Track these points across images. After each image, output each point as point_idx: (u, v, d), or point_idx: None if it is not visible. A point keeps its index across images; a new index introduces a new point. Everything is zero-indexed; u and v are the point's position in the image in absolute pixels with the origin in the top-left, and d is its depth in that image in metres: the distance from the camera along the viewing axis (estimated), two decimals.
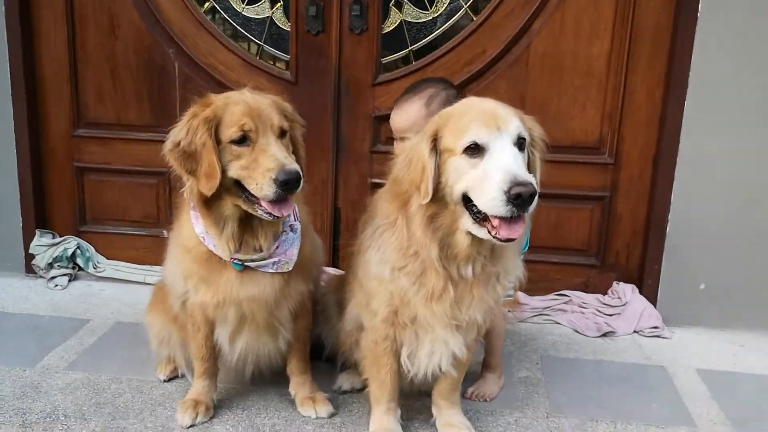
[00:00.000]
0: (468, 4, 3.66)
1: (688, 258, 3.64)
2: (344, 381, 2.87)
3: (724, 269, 3.62)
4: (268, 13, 3.78)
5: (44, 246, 3.99)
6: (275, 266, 2.38)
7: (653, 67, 3.57)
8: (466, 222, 2.04)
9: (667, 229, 3.62)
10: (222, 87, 3.78)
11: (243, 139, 2.20)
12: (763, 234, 3.56)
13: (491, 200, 1.89)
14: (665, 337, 3.57)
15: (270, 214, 2.19)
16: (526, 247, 2.85)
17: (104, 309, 3.66)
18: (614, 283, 3.85)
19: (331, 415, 2.66)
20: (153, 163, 3.94)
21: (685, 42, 3.42)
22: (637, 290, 3.76)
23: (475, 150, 1.97)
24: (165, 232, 4.04)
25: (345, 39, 3.70)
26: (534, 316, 3.72)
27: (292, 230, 2.44)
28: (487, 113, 2.02)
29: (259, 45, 3.84)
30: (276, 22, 3.78)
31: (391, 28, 3.72)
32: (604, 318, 3.69)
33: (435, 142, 2.07)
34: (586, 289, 3.90)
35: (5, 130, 3.89)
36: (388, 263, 2.24)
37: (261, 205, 2.21)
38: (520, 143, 2.01)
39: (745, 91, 3.42)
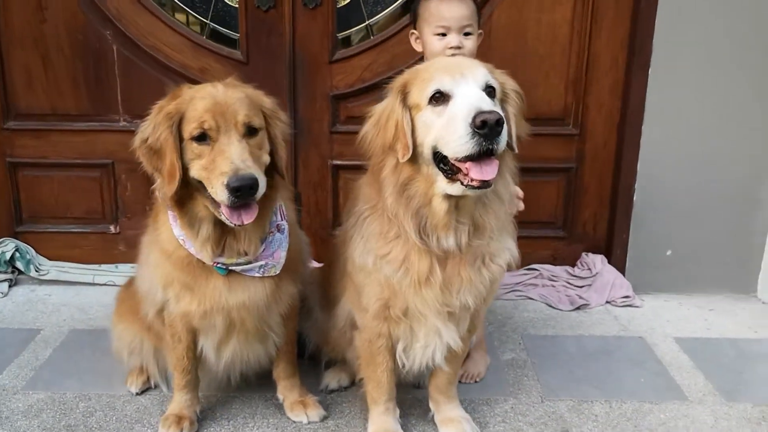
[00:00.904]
0: None
1: (655, 225, 3.68)
2: (331, 379, 2.78)
3: (689, 235, 3.68)
4: None
5: None
6: (262, 270, 2.25)
7: (617, 31, 3.55)
8: (441, 183, 1.97)
9: (635, 197, 3.65)
10: (167, 70, 3.60)
11: (204, 137, 2.05)
12: (726, 200, 3.64)
13: (458, 138, 1.84)
14: (636, 306, 3.62)
15: (230, 221, 2.05)
16: None
17: (55, 316, 3.43)
18: (583, 254, 3.88)
19: (323, 419, 2.56)
20: (94, 154, 3.72)
21: (648, 3, 3.40)
22: (606, 260, 3.79)
23: (439, 99, 1.93)
24: (112, 227, 3.83)
25: (298, 14, 3.52)
26: (507, 292, 3.71)
27: (279, 231, 2.30)
28: (451, 64, 2.02)
29: (205, 23, 3.62)
30: None
31: (346, 2, 3.58)
32: (576, 290, 3.71)
33: (404, 97, 2.02)
34: (554, 261, 3.92)
35: None
36: (372, 252, 2.17)
37: (223, 212, 2.06)
38: (488, 92, 1.96)
39: (712, 55, 3.43)
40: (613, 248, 3.78)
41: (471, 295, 2.16)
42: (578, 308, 3.59)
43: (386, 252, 2.14)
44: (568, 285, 3.77)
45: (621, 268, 3.76)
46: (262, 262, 2.25)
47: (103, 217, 3.84)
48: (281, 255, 2.29)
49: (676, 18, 3.39)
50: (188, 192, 2.11)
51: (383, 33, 3.58)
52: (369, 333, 2.30)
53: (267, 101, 2.22)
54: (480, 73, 1.97)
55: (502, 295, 3.67)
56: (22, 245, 3.83)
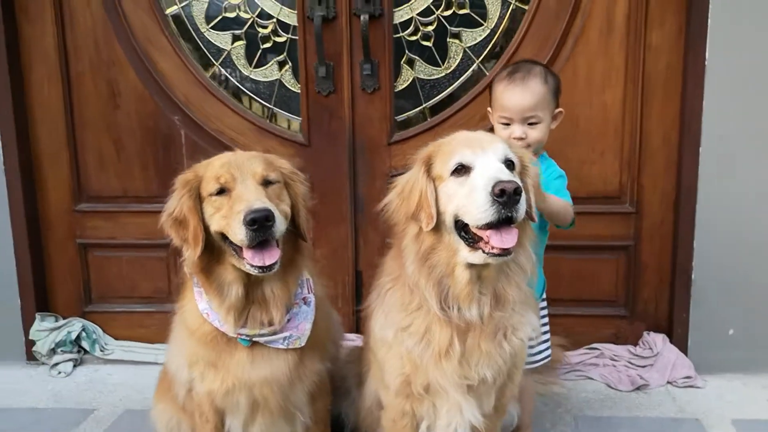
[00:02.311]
0: (480, 59, 3.75)
1: (716, 304, 3.70)
2: None
3: (751, 313, 3.69)
4: (276, 76, 3.81)
5: (45, 330, 3.86)
6: (286, 342, 2.31)
7: (667, 110, 3.68)
8: (463, 252, 2.06)
9: (693, 275, 3.70)
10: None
11: (222, 191, 2.19)
12: None
13: (479, 207, 1.93)
14: (698, 387, 3.61)
15: (253, 265, 2.12)
16: (542, 294, 2.92)
17: (111, 396, 3.54)
18: (644, 333, 3.90)
19: None
20: (161, 234, 3.87)
21: (696, 83, 3.54)
22: (668, 340, 3.81)
23: (461, 170, 2.05)
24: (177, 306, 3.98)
25: (357, 98, 3.75)
26: (566, 372, 3.73)
27: (305, 303, 2.38)
28: (472, 138, 2.15)
29: (268, 108, 3.86)
30: (285, 84, 3.82)
31: (404, 86, 3.79)
32: (637, 370, 3.72)
33: (429, 169, 2.13)
34: (617, 340, 3.94)
35: None
36: (393, 325, 2.23)
37: (245, 257, 2.14)
38: (507, 164, 2.07)
39: (760, 130, 3.54)
40: (675, 327, 3.80)
41: (490, 369, 2.19)
42: (638, 388, 3.60)
43: (408, 324, 2.20)
44: (630, 365, 3.77)
45: (683, 348, 3.77)
46: (287, 334, 2.32)
47: (168, 296, 3.98)
48: (306, 327, 2.36)
49: (724, 96, 3.50)
50: (215, 257, 2.24)
51: (439, 115, 3.78)
52: (392, 412, 2.33)
53: (284, 163, 2.38)
54: (499, 147, 2.10)
55: (561, 375, 3.70)
56: (90, 325, 4.00)
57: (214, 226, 2.20)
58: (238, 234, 2.09)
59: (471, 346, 2.16)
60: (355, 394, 2.75)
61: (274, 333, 2.30)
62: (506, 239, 1.96)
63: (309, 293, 2.43)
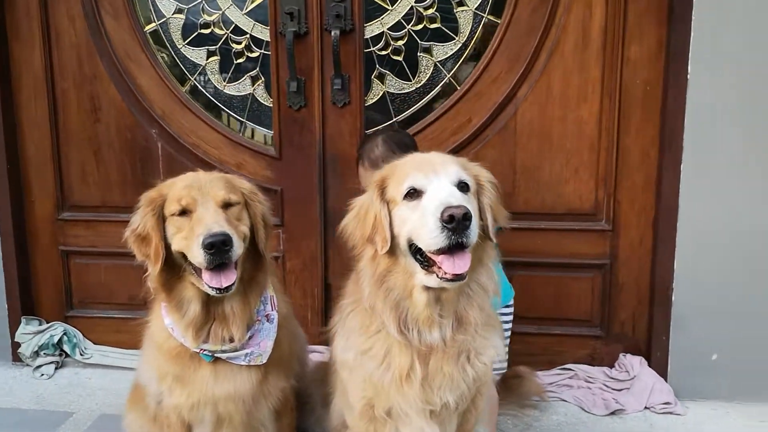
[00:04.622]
0: (451, 73, 3.79)
1: (698, 327, 3.63)
2: None
3: (737, 338, 3.60)
4: (249, 90, 3.96)
5: (29, 334, 4.12)
6: (248, 358, 2.41)
7: (646, 126, 3.65)
8: (419, 275, 2.07)
9: (673, 297, 3.63)
10: (206, 165, 3.95)
11: (184, 212, 2.30)
12: None
13: (429, 233, 1.95)
14: (678, 414, 3.54)
15: (211, 287, 2.24)
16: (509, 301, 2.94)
17: (89, 400, 3.74)
18: (621, 355, 3.86)
19: None
20: None
21: (677, 98, 3.48)
22: (645, 363, 3.76)
23: (413, 194, 2.06)
24: None
25: (328, 113, 3.85)
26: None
27: (268, 320, 2.48)
28: (425, 161, 2.15)
29: (241, 122, 4.01)
30: (258, 98, 3.95)
31: (374, 100, 3.87)
32: (612, 393, 3.69)
33: (382, 192, 2.17)
34: (593, 361, 3.92)
35: None
36: (353, 348, 2.27)
37: (203, 278, 2.26)
38: (461, 186, 2.08)
39: (746, 148, 3.45)
40: (653, 350, 3.75)
41: (452, 393, 2.20)
42: (613, 413, 3.56)
43: (368, 347, 2.23)
44: (605, 388, 3.74)
45: (663, 372, 3.71)
46: (248, 350, 2.42)
47: (145, 304, 4.20)
48: (268, 344, 2.46)
49: (709, 110, 3.44)
50: (176, 274, 2.36)
51: (409, 130, 3.77)
52: None
53: (245, 183, 2.49)
54: (452, 170, 2.10)
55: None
56: (70, 329, 4.25)
57: (175, 245, 2.32)
58: (197, 256, 2.21)
59: (433, 370, 2.18)
60: (320, 412, 2.82)
61: (236, 350, 2.41)
62: (458, 264, 1.98)
63: (272, 310, 2.53)
